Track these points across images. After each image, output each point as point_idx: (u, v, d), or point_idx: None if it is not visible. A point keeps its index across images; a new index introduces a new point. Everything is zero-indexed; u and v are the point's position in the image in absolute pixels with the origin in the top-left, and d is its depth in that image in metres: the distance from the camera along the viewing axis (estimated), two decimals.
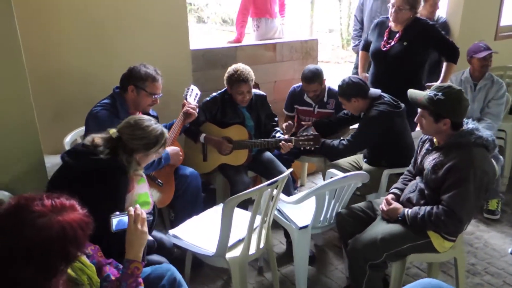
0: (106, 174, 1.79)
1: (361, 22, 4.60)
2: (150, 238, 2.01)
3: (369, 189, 2.81)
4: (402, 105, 2.78)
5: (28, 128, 2.06)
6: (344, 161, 3.04)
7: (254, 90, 3.07)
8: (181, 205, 2.67)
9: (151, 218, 2.07)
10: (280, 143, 2.88)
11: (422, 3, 3.14)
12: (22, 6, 2.61)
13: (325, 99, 3.34)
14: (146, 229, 1.57)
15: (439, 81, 3.29)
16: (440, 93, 2.01)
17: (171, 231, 2.30)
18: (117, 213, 1.61)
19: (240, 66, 2.91)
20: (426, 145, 2.24)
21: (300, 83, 3.40)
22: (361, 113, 2.89)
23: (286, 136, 2.99)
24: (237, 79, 2.84)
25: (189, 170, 2.73)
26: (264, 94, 3.14)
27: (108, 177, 1.79)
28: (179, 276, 1.72)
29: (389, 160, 2.83)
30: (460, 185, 1.96)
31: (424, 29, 3.12)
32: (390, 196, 2.31)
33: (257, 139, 2.97)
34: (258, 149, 3.07)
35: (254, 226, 2.16)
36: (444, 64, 3.31)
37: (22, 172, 2.07)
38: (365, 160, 3.00)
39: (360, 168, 2.97)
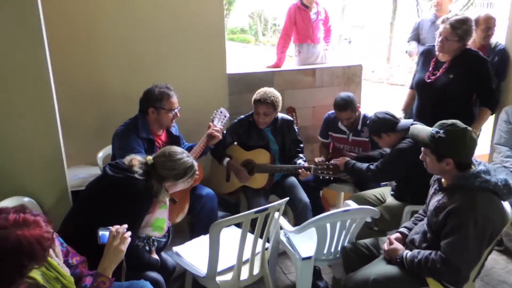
0: (136, 193, 1.95)
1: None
2: (156, 257, 2.13)
3: (389, 225, 2.67)
4: None
5: (51, 141, 2.29)
6: (369, 193, 2.93)
7: (281, 115, 3.11)
8: (196, 224, 2.78)
9: (165, 240, 2.22)
10: (299, 170, 2.87)
11: (473, 34, 2.88)
12: (74, 38, 2.98)
13: (359, 127, 3.26)
14: (123, 247, 1.66)
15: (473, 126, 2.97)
16: (442, 131, 1.87)
17: (175, 248, 2.41)
18: (106, 227, 1.74)
19: (268, 89, 2.98)
20: (435, 185, 2.09)
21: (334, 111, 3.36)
22: None
23: (306, 164, 2.97)
24: (257, 98, 2.93)
25: (206, 190, 2.83)
26: (291, 119, 3.16)
27: (136, 196, 1.95)
28: None
29: (413, 195, 2.67)
30: (458, 231, 1.80)
31: (473, 62, 2.88)
32: (394, 236, 2.18)
33: (278, 164, 2.99)
34: (282, 174, 3.09)
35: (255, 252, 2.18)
36: (479, 108, 3.03)
37: (44, 180, 2.32)
38: (391, 193, 2.85)
39: (384, 202, 2.84)
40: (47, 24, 2.24)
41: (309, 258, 2.38)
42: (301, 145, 3.18)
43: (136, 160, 2.01)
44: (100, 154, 2.88)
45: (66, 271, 1.64)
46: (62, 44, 2.93)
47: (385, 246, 2.13)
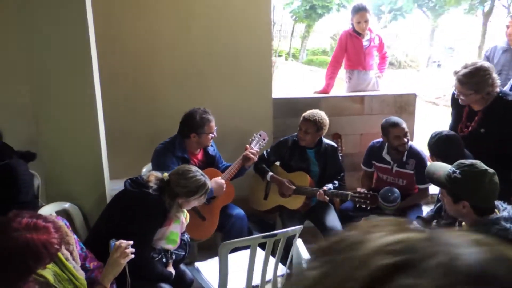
0: (148, 206, 2.12)
1: None
2: (171, 270, 2.26)
3: None
4: None
5: (94, 154, 2.55)
6: None
7: (326, 140, 3.13)
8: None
9: (183, 253, 2.35)
10: (317, 193, 2.85)
11: (491, 83, 2.56)
12: (134, 60, 3.29)
13: (404, 158, 3.14)
14: (122, 261, 1.79)
15: None
16: (458, 171, 1.77)
17: (197, 264, 2.52)
18: (117, 239, 1.91)
19: (318, 110, 3.07)
20: (457, 228, 1.96)
21: (380, 139, 3.27)
22: None
23: (329, 186, 2.95)
24: (304, 115, 3.02)
25: (236, 210, 2.92)
26: (336, 145, 3.15)
27: (148, 210, 2.11)
28: None
29: None
30: None
31: (505, 112, 2.58)
32: None
33: (309, 187, 2.99)
34: (320, 200, 3.08)
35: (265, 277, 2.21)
36: None
37: (86, 188, 2.58)
38: None
39: None
40: (104, 39, 2.52)
41: None
42: (342, 174, 3.14)
43: (153, 176, 2.17)
44: (144, 170, 3.10)
45: (81, 274, 1.81)
46: (119, 62, 3.26)
47: None
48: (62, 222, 1.79)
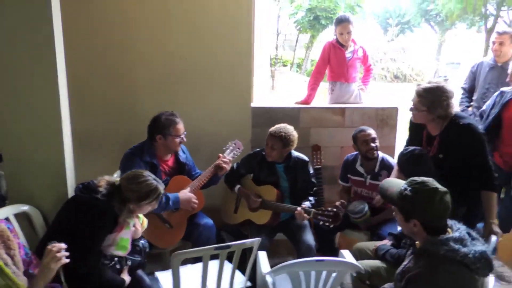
0: (96, 213, 2.07)
1: (469, 92, 4.11)
2: (124, 277, 2.21)
3: (383, 283, 2.45)
4: None
5: (57, 155, 2.54)
6: (373, 245, 2.73)
7: (296, 154, 3.07)
8: None
9: (139, 259, 2.31)
10: (296, 211, 2.78)
11: (445, 105, 2.47)
12: (107, 62, 3.28)
13: (376, 169, 3.09)
14: (52, 266, 1.72)
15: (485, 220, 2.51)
16: (409, 188, 1.72)
17: (156, 273, 2.47)
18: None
19: (286, 125, 2.98)
20: (412, 247, 1.90)
21: (355, 152, 3.23)
22: None
23: (307, 204, 2.87)
24: (270, 130, 2.95)
25: (205, 220, 2.87)
26: (306, 159, 3.08)
27: (96, 216, 2.07)
28: None
29: None
30: None
31: (461, 136, 2.47)
32: None
33: (280, 203, 2.93)
34: (291, 214, 3.02)
35: None
36: (481, 193, 2.49)
37: (46, 190, 2.55)
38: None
39: None
40: (76, 37, 2.55)
41: None
42: (314, 188, 3.08)
43: (105, 180, 2.13)
44: (115, 175, 3.07)
45: (22, 280, 1.77)
46: (91, 62, 3.25)
47: None
48: (4, 226, 1.76)
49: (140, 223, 2.33)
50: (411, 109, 2.63)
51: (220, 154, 2.99)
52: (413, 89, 2.66)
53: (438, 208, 1.67)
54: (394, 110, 3.67)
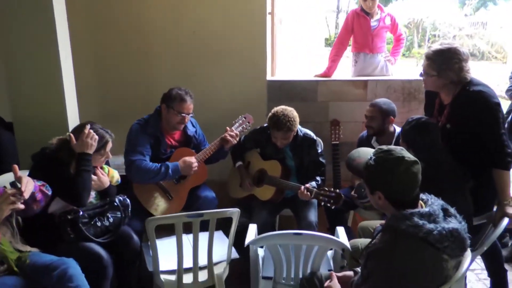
0: (43, 164, 2.22)
1: None
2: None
3: None
4: None
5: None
6: (376, 223, 2.55)
7: (304, 131, 2.93)
8: None
9: (120, 215, 2.37)
10: (299, 190, 2.67)
11: (457, 69, 2.20)
12: (126, 46, 3.36)
13: (392, 145, 2.85)
14: (4, 207, 1.76)
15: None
16: (374, 157, 1.56)
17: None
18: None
19: (282, 111, 2.76)
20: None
21: None
22: None
23: (313, 184, 2.74)
24: (272, 124, 2.77)
25: (206, 193, 2.86)
26: (314, 138, 2.92)
27: (43, 166, 2.20)
28: (73, 272, 1.93)
29: None
30: (368, 280, 1.48)
31: (471, 106, 2.20)
32: (342, 273, 1.89)
33: (284, 180, 2.83)
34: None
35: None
36: (493, 171, 2.22)
37: None
38: None
39: None
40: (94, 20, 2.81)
41: (269, 278, 2.23)
42: (322, 168, 2.93)
43: (56, 138, 2.28)
44: None
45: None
46: (107, 43, 3.36)
47: (326, 283, 1.86)
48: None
49: (105, 173, 2.41)
50: (421, 75, 2.39)
51: (228, 128, 2.95)
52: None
53: (402, 179, 1.49)
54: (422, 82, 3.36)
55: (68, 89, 2.64)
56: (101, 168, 2.43)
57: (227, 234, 3.06)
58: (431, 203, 1.55)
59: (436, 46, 2.28)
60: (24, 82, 2.58)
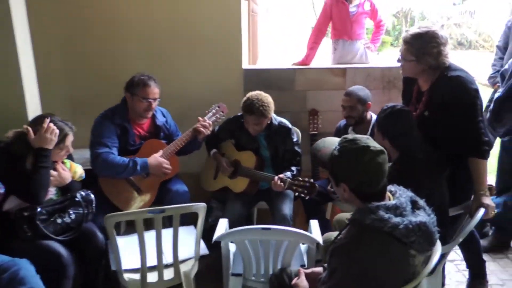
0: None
1: (504, 49, 3.57)
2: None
3: None
4: None
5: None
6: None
7: (279, 119, 2.83)
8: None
9: (82, 211, 2.26)
10: (272, 181, 2.57)
11: (435, 54, 2.10)
12: (91, 31, 3.21)
13: (369, 133, 2.77)
14: None
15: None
16: (338, 147, 1.46)
17: (118, 238, 2.40)
18: None
19: (256, 96, 2.66)
20: None
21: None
22: None
23: (288, 174, 2.64)
24: (244, 108, 2.67)
25: (177, 186, 2.75)
26: (289, 127, 2.82)
27: None
28: (25, 274, 1.81)
29: None
30: (330, 278, 1.39)
31: (448, 91, 2.10)
32: (311, 270, 1.80)
33: (258, 171, 2.73)
34: None
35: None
36: (469, 160, 2.14)
37: None
38: None
39: None
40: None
41: (238, 275, 2.14)
42: (298, 158, 2.82)
43: (12, 131, 2.17)
44: None
45: None
46: (71, 29, 3.19)
47: (294, 280, 1.77)
48: None
49: (67, 168, 2.30)
50: (398, 60, 2.29)
51: (200, 118, 2.84)
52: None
53: (366, 170, 1.39)
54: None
55: (28, 78, 2.50)
56: (62, 162, 2.30)
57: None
58: (399, 195, 1.46)
59: (414, 29, 2.18)
60: None
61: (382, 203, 1.40)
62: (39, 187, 2.06)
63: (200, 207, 2.03)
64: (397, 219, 1.35)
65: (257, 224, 3.40)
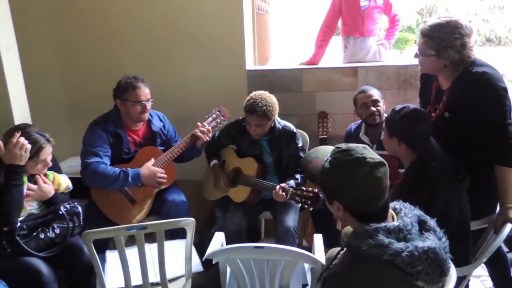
0: None
1: None
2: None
3: None
4: None
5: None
6: None
7: (283, 123, 2.63)
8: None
9: (67, 225, 2.12)
10: (274, 190, 2.37)
11: (458, 47, 1.86)
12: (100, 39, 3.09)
13: (382, 137, 2.53)
14: None
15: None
16: (330, 158, 1.24)
17: (107, 252, 2.24)
18: None
19: (260, 95, 2.48)
20: None
21: (359, 120, 2.70)
22: None
23: (291, 183, 2.43)
24: (246, 108, 2.48)
25: (173, 196, 2.57)
26: (294, 131, 2.61)
27: None
28: None
29: None
30: None
31: (471, 89, 1.85)
32: None
33: (258, 180, 2.53)
34: None
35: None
36: (495, 168, 1.87)
37: None
38: None
39: None
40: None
41: None
42: None
43: None
44: None
45: None
46: (68, 27, 3.08)
47: None
48: None
49: (50, 181, 2.16)
50: (416, 56, 2.04)
51: (199, 123, 2.66)
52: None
53: (362, 186, 1.17)
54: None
55: (13, 84, 2.37)
56: (45, 175, 2.16)
57: (202, 242, 2.80)
58: (404, 214, 1.23)
59: (433, 20, 1.93)
60: None
61: (383, 224, 1.17)
62: (9, 207, 1.90)
63: (188, 223, 1.84)
64: (399, 245, 1.13)
65: (264, 236, 3.21)
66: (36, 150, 2.02)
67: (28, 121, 2.52)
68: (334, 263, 1.28)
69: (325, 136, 2.99)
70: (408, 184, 1.94)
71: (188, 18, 3.03)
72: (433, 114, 2.05)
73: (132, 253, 1.90)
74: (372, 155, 1.20)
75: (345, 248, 1.29)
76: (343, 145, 1.24)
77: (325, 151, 1.32)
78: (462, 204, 1.92)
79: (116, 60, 3.12)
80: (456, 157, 1.92)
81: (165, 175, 2.52)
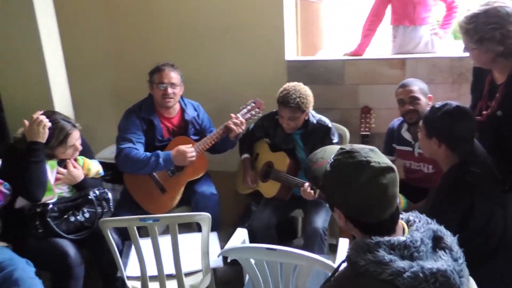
0: (6, 157, 2.11)
1: None
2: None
3: None
4: None
5: None
6: None
7: (318, 117, 2.51)
8: None
9: (94, 210, 2.19)
10: (302, 187, 2.27)
11: (498, 37, 1.65)
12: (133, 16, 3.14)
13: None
14: None
15: None
16: (331, 161, 1.13)
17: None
18: None
19: (293, 86, 2.39)
20: None
21: (401, 118, 2.50)
22: None
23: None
24: (279, 100, 2.40)
25: (203, 188, 2.56)
26: (329, 125, 2.48)
27: (6, 160, 2.11)
28: (20, 275, 1.75)
29: None
30: None
31: None
32: None
33: (288, 175, 2.44)
34: None
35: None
36: None
37: None
38: None
39: None
40: None
41: None
42: None
43: (23, 128, 2.09)
44: None
45: None
46: (114, 21, 3.16)
47: None
48: None
49: (80, 166, 2.23)
50: (464, 50, 1.84)
51: (232, 115, 2.61)
52: None
53: (363, 193, 1.04)
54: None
55: (54, 75, 2.47)
56: (76, 160, 2.23)
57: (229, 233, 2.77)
58: (416, 228, 1.09)
59: (472, 10, 1.72)
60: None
61: (386, 238, 1.05)
62: (29, 183, 1.99)
63: (202, 218, 1.81)
64: (402, 264, 1.00)
65: (301, 234, 3.11)
66: (64, 136, 2.09)
67: (70, 108, 2.62)
68: (335, 275, 1.18)
69: (368, 133, 2.81)
70: (448, 190, 1.77)
71: (226, 8, 2.96)
72: (483, 112, 1.84)
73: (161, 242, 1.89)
74: (378, 159, 1.07)
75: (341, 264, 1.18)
76: (348, 146, 1.12)
77: (333, 152, 1.21)
78: (508, 217, 1.71)
79: (154, 50, 3.14)
80: (505, 163, 1.71)
81: (194, 153, 2.48)
